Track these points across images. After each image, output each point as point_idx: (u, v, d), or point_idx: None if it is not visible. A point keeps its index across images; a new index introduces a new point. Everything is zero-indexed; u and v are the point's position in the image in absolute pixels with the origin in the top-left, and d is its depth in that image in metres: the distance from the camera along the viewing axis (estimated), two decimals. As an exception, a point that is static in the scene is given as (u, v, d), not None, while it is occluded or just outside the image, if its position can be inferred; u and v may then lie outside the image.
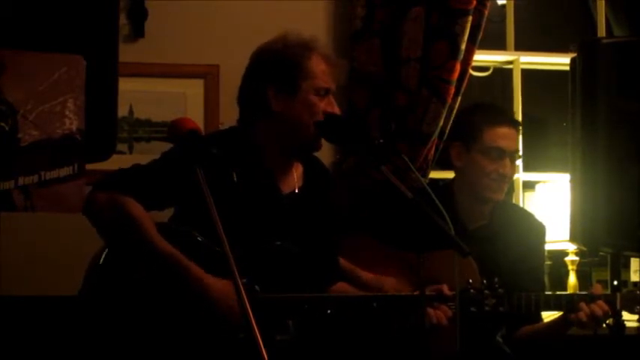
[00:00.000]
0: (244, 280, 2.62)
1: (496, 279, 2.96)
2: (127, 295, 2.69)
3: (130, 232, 2.68)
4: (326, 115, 2.82)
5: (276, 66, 2.82)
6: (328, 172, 3.15)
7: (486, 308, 2.94)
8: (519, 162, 3.61)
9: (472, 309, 2.93)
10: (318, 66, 2.82)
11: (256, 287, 2.74)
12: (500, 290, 2.95)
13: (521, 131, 3.50)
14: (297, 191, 2.92)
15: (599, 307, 3.05)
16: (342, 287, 3.04)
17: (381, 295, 2.94)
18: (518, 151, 3.44)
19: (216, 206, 2.25)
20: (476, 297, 2.94)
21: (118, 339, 2.66)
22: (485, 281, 2.95)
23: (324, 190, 3.03)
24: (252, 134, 2.87)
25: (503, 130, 3.38)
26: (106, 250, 2.73)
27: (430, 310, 2.89)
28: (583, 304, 3.06)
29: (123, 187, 2.71)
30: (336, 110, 2.84)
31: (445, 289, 2.93)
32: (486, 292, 2.94)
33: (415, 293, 2.91)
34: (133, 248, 2.69)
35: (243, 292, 2.14)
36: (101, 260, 2.72)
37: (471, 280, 2.96)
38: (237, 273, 2.18)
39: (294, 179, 2.93)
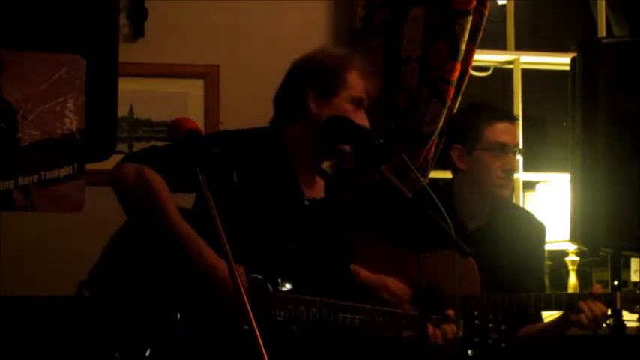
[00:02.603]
0: (260, 277, 2.72)
1: (501, 316, 2.94)
2: (128, 294, 2.69)
3: (151, 205, 2.72)
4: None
5: (318, 73, 2.96)
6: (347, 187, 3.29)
7: (489, 341, 2.92)
8: (519, 161, 3.62)
9: (475, 339, 2.92)
10: (356, 79, 2.97)
11: (268, 285, 2.76)
12: (503, 327, 2.93)
13: (518, 125, 3.50)
14: (318, 199, 2.99)
15: (599, 307, 3.05)
16: None
17: (387, 310, 2.94)
18: (519, 145, 3.44)
19: (222, 206, 2.30)
20: (480, 328, 2.92)
21: (117, 339, 2.66)
22: (490, 316, 2.93)
23: (344, 201, 3.11)
24: (283, 135, 2.96)
25: (503, 126, 3.39)
26: (106, 250, 2.74)
27: (430, 328, 2.87)
28: (583, 304, 3.06)
29: (152, 162, 2.77)
30: (366, 124, 2.94)
31: (452, 313, 2.91)
32: (490, 325, 2.92)
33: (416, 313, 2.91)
34: (151, 221, 2.73)
35: (243, 292, 2.15)
36: (104, 260, 2.73)
37: (476, 313, 2.94)
38: (236, 273, 2.19)
39: (317, 187, 3.01)
